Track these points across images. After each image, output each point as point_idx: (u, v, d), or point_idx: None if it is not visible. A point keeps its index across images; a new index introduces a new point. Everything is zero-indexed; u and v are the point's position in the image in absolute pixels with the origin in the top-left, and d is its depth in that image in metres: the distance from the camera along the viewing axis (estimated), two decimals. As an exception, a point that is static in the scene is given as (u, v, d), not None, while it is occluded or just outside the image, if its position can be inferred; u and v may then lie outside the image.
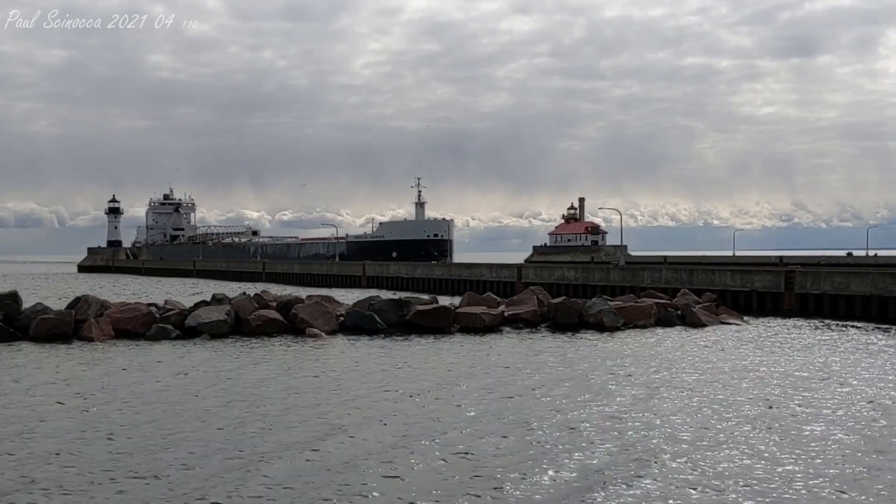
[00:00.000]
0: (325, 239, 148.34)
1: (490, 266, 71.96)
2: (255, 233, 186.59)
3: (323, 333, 32.87)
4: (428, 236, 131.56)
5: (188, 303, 38.75)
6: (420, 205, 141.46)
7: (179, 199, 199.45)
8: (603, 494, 12.14)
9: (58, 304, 39.07)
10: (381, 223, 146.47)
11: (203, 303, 36.29)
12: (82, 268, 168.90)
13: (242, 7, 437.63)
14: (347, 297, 46.96)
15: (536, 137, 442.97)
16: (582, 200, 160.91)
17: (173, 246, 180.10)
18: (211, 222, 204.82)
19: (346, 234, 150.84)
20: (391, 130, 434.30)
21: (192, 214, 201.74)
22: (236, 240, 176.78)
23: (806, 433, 15.94)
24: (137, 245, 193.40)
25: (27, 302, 34.91)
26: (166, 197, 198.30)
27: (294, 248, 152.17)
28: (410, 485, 12.63)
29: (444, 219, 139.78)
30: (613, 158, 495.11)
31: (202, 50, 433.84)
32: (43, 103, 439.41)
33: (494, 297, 40.41)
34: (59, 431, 16.08)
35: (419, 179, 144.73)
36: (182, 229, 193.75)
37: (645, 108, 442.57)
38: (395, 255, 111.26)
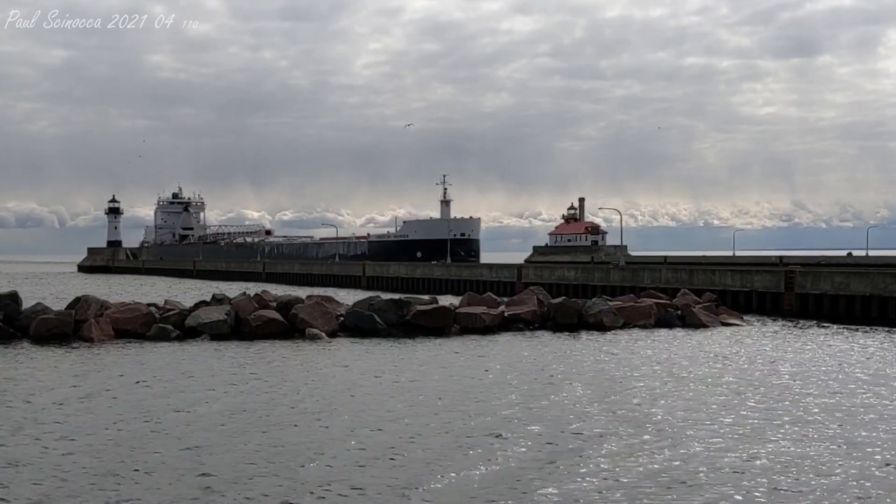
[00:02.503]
0: (345, 238, 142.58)
1: (490, 266, 71.94)
2: (268, 232, 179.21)
3: (323, 334, 32.84)
4: (455, 236, 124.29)
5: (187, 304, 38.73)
6: (446, 203, 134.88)
7: (188, 199, 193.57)
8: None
9: (58, 304, 39.05)
10: (405, 222, 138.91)
11: (203, 303, 36.26)
12: (82, 268, 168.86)
13: (243, 7, 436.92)
14: (347, 297, 46.97)
15: (537, 137, 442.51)
16: (582, 200, 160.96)
17: (183, 246, 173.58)
18: (212, 222, 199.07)
19: (368, 234, 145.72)
20: (391, 130, 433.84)
21: (202, 214, 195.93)
22: (248, 239, 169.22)
23: (809, 433, 15.96)
24: (146, 245, 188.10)
25: (27, 302, 34.89)
26: (175, 196, 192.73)
27: (312, 248, 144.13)
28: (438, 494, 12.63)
29: (471, 217, 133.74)
30: (613, 158, 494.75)
31: (202, 50, 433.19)
32: (43, 103, 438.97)
33: (494, 297, 40.41)
34: (61, 434, 16.08)
35: (445, 177, 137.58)
36: (191, 229, 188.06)
37: (645, 108, 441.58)
38: (420, 255, 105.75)
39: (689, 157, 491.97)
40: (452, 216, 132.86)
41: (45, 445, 15.00)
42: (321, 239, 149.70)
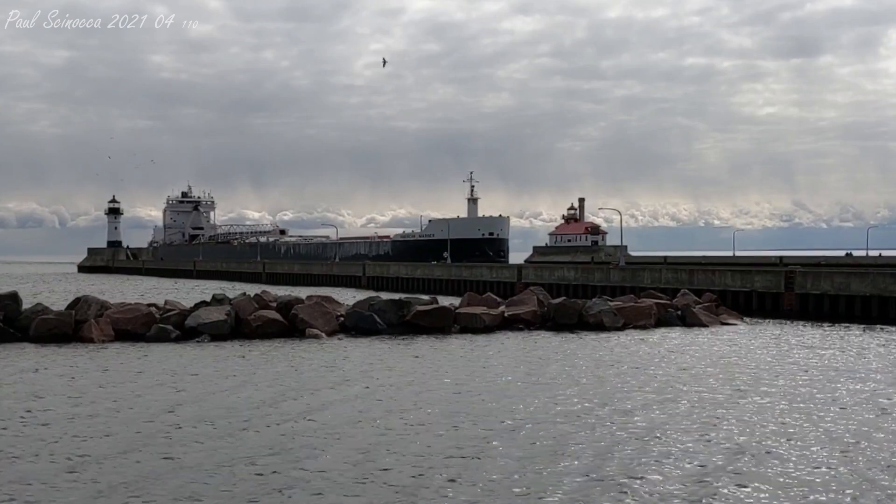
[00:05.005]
0: (367, 238, 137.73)
1: (490, 266, 71.99)
2: (282, 231, 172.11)
3: (323, 334, 32.85)
4: (483, 235, 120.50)
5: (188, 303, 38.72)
6: (473, 201, 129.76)
7: (198, 197, 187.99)
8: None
9: (58, 304, 39.06)
10: (430, 220, 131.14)
11: (203, 303, 36.25)
12: (82, 268, 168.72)
13: (244, 8, 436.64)
14: (348, 297, 46.95)
15: (537, 138, 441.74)
16: (582, 200, 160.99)
17: (193, 246, 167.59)
18: (219, 222, 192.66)
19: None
20: (392, 131, 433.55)
21: (212, 213, 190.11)
22: (262, 239, 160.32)
23: (814, 435, 15.97)
24: (155, 245, 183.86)
25: (27, 302, 34.91)
26: (184, 195, 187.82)
27: (331, 248, 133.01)
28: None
29: (500, 216, 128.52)
30: (614, 158, 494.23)
31: (204, 50, 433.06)
32: (44, 104, 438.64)
33: (494, 297, 40.43)
34: (65, 438, 16.06)
35: (472, 174, 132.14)
36: (201, 228, 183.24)
37: (646, 109, 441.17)
38: (446, 255, 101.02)
39: (689, 157, 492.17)
40: (481, 214, 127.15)
41: (50, 450, 14.98)
42: (340, 238, 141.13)
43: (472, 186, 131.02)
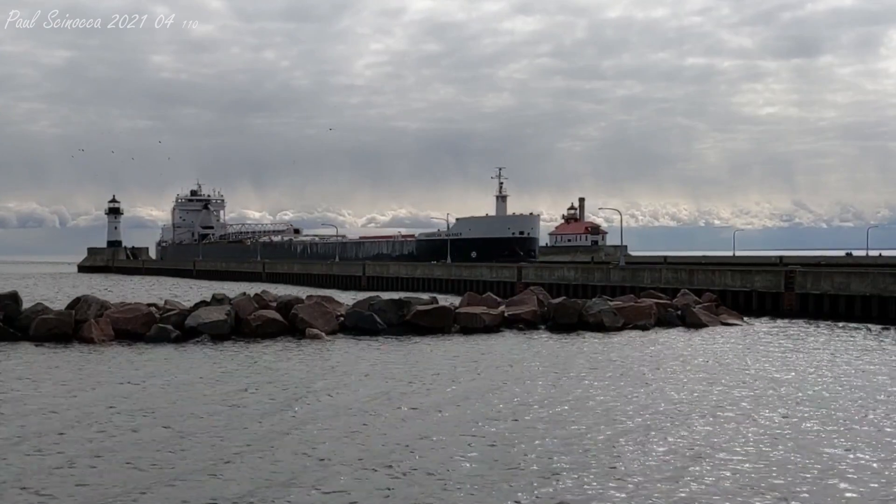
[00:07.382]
0: (390, 237, 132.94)
1: (490, 266, 72.00)
2: (296, 231, 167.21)
3: (323, 334, 32.84)
4: (513, 234, 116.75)
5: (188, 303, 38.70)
6: (502, 198, 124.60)
7: (208, 196, 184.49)
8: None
9: (58, 304, 39.05)
10: (457, 219, 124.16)
11: (203, 303, 36.22)
12: (82, 268, 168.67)
13: (244, 8, 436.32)
14: (348, 297, 46.99)
15: (537, 138, 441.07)
16: (582, 200, 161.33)
17: (204, 246, 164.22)
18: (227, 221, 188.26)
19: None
20: (392, 131, 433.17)
21: (222, 212, 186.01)
22: (275, 238, 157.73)
23: (815, 435, 15.96)
24: (163, 244, 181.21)
25: (27, 302, 34.89)
26: (194, 193, 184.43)
27: (350, 248, 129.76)
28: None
29: (531, 214, 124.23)
30: (614, 158, 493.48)
31: (204, 50, 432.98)
32: (44, 104, 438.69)
33: (494, 297, 40.43)
34: (68, 440, 16.05)
35: (500, 170, 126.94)
36: (211, 227, 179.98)
37: (646, 109, 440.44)
38: (474, 255, 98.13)
39: (689, 157, 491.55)
40: (510, 213, 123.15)
41: (56, 452, 14.94)
42: (361, 238, 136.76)
43: (501, 183, 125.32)
